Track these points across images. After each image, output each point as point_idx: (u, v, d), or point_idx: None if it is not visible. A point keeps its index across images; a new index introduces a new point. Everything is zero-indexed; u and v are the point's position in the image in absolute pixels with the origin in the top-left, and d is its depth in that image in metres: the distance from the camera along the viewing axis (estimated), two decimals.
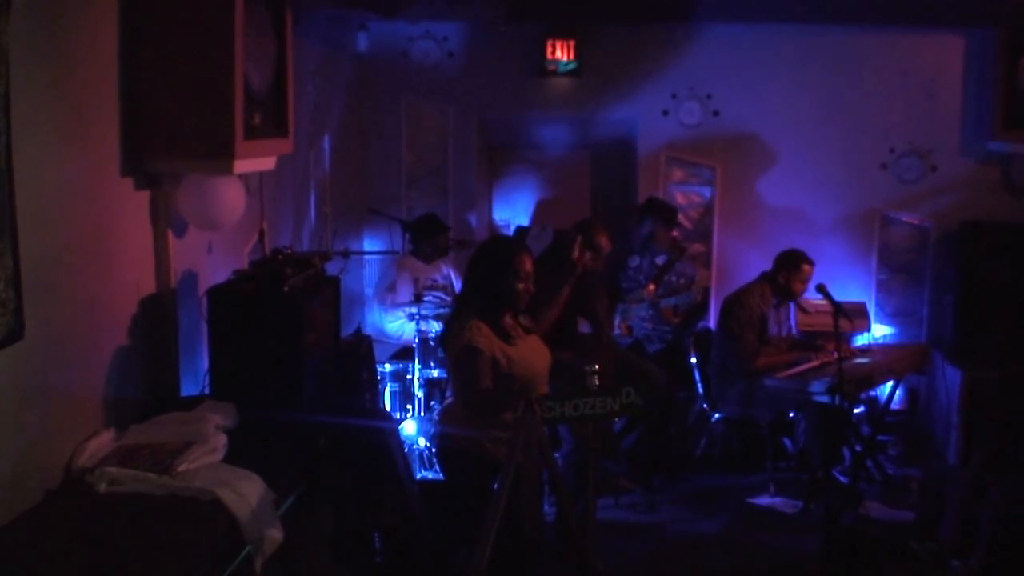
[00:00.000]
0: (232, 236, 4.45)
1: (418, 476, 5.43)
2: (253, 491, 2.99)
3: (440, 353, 5.62)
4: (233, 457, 3.19)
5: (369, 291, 6.98)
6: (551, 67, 6.83)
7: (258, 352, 3.61)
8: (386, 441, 4.25)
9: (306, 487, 3.49)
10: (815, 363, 5.71)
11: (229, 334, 3.64)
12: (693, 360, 6.12)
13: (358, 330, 5.66)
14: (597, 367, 3.34)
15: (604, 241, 5.24)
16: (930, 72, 6.85)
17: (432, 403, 5.83)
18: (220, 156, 3.45)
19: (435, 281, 6.28)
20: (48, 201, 2.92)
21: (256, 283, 3.71)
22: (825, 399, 5.26)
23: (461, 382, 3.63)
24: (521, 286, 3.68)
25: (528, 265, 3.71)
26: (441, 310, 5.86)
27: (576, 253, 4.43)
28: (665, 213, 6.44)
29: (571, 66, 6.84)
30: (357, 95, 6.93)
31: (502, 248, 3.84)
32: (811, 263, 5.89)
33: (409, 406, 5.88)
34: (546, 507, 4.12)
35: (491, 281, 3.68)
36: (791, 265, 5.87)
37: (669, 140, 7.01)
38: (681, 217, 6.97)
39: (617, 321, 6.24)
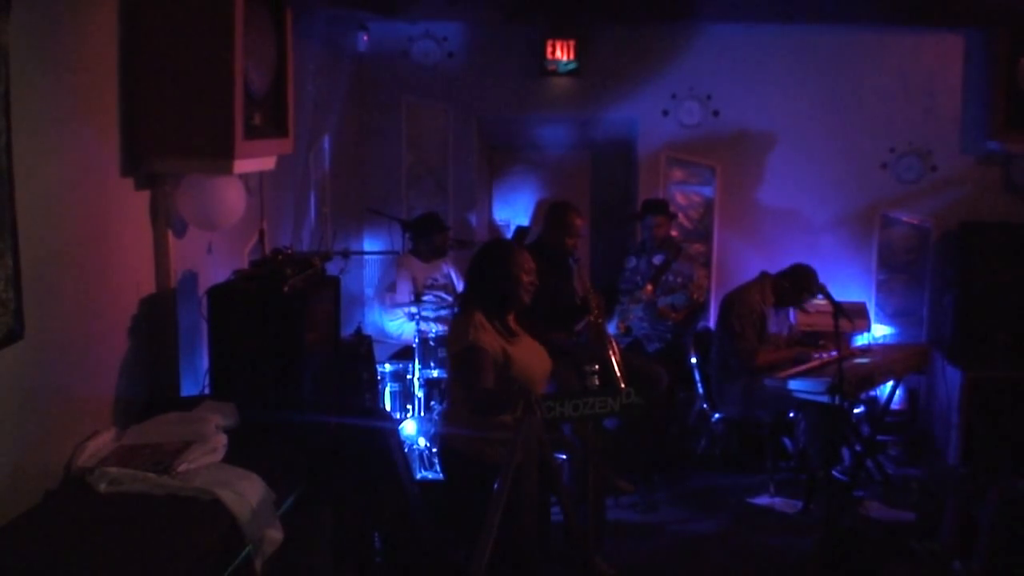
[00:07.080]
0: (232, 236, 4.45)
1: (418, 476, 5.42)
2: (253, 491, 2.99)
3: (441, 353, 5.62)
4: (233, 457, 3.20)
5: (369, 291, 6.98)
6: (551, 67, 6.82)
7: (258, 352, 3.61)
8: (386, 441, 4.24)
9: (306, 487, 3.49)
10: (815, 363, 5.70)
11: (229, 334, 3.65)
12: (693, 360, 6.12)
13: (358, 330, 5.66)
14: (597, 367, 3.34)
15: (580, 221, 5.46)
16: (930, 72, 6.85)
17: (432, 403, 5.82)
18: (220, 156, 3.46)
19: (435, 281, 6.27)
20: (48, 201, 2.92)
21: (256, 283, 3.71)
22: (824, 399, 5.26)
23: (463, 381, 3.63)
24: (526, 279, 3.73)
25: (530, 261, 3.79)
26: (441, 311, 5.85)
27: (570, 243, 5.24)
28: (658, 205, 6.49)
29: (571, 66, 6.83)
30: (357, 95, 6.92)
31: (503, 247, 4.00)
32: (823, 291, 5.67)
33: (409, 406, 5.87)
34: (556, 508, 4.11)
35: (496, 281, 3.71)
36: (807, 287, 5.76)
37: (669, 140, 7.01)
38: (681, 217, 6.99)
39: (615, 321, 6.24)
